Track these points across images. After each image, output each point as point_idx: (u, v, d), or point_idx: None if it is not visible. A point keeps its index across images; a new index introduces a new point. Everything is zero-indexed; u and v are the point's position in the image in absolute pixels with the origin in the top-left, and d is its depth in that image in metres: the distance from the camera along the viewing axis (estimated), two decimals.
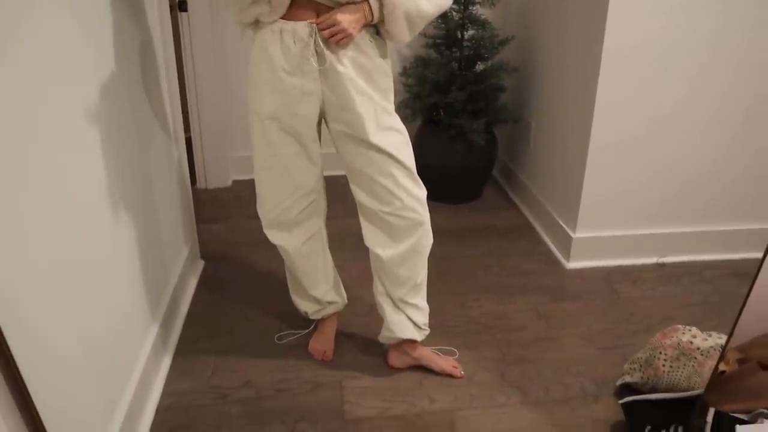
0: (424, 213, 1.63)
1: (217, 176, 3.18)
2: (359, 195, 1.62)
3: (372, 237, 1.66)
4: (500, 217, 2.86)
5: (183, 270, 2.18)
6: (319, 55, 1.45)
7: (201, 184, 3.19)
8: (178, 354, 1.92)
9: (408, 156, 1.58)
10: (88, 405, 1.37)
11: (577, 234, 2.39)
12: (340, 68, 1.46)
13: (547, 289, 2.29)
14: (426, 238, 1.66)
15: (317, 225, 1.77)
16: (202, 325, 2.07)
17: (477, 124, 2.74)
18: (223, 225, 2.77)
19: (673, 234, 2.45)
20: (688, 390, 1.58)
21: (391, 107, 1.58)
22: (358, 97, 1.49)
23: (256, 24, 1.49)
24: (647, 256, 2.47)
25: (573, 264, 2.43)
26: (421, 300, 1.79)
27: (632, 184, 2.34)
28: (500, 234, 2.70)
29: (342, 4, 1.41)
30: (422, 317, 1.80)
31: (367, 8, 1.42)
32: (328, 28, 1.41)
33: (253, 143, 1.60)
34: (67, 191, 1.27)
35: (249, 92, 1.56)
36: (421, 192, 1.62)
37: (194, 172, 3.16)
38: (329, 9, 1.41)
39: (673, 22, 2.08)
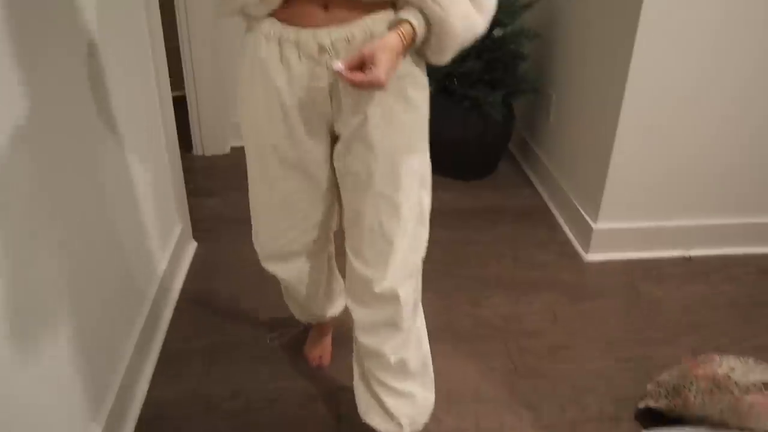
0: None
1: (214, 142, 2.98)
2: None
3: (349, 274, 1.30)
4: (515, 197, 2.67)
5: (173, 254, 2.02)
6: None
7: (197, 150, 2.99)
8: (165, 355, 1.78)
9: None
10: (64, 412, 1.25)
11: (599, 225, 2.21)
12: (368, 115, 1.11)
13: (565, 285, 2.13)
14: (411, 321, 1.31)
15: (325, 252, 1.50)
16: (191, 320, 1.92)
17: (494, 96, 2.52)
18: (218, 199, 2.59)
19: (700, 226, 2.27)
20: (720, 426, 1.44)
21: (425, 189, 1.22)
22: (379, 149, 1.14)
23: (246, 18, 1.14)
24: (672, 249, 2.29)
25: (592, 256, 2.25)
26: (414, 385, 1.37)
27: (660, 171, 2.14)
28: (515, 217, 2.52)
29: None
30: (410, 408, 1.37)
31: (406, 31, 1.03)
32: (353, 80, 0.99)
33: (248, 169, 1.30)
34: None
35: (240, 113, 1.23)
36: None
37: (190, 136, 2.96)
38: (337, 3, 1.04)
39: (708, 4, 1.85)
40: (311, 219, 1.33)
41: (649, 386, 1.62)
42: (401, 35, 1.03)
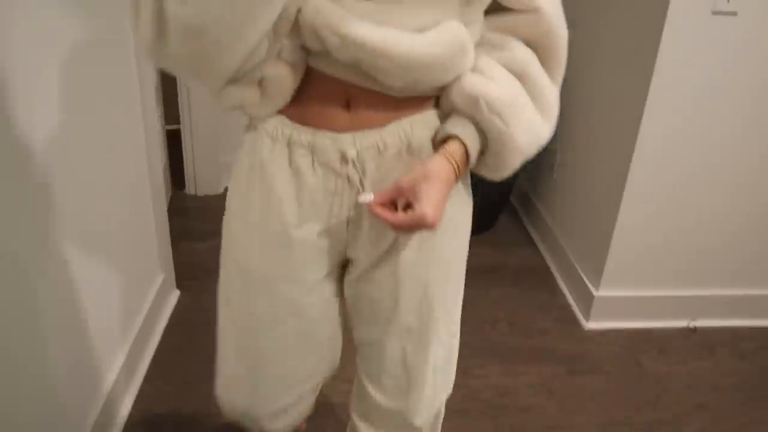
0: None
1: (208, 181, 2.90)
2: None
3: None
4: (515, 255, 2.58)
5: (152, 306, 1.92)
6: (362, 185, 0.87)
7: (190, 189, 2.91)
8: (133, 422, 1.67)
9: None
10: None
11: (601, 292, 2.11)
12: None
13: (562, 356, 2.01)
14: None
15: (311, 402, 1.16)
16: (164, 381, 1.82)
17: None
18: (207, 244, 2.50)
19: (706, 296, 2.16)
20: None
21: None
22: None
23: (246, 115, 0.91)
24: (676, 320, 2.18)
25: (593, 324, 2.15)
26: None
27: (666, 239, 2.05)
28: (513, 277, 2.41)
29: (386, 94, 0.82)
30: None
31: (456, 152, 0.83)
32: (391, 222, 0.80)
33: (220, 305, 1.00)
34: None
35: (226, 228, 0.96)
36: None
37: (183, 173, 2.89)
38: (365, 94, 0.81)
39: (726, 72, 1.77)
40: (307, 370, 1.05)
41: None
42: (451, 159, 0.82)
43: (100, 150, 1.51)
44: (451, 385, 1.10)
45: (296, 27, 0.76)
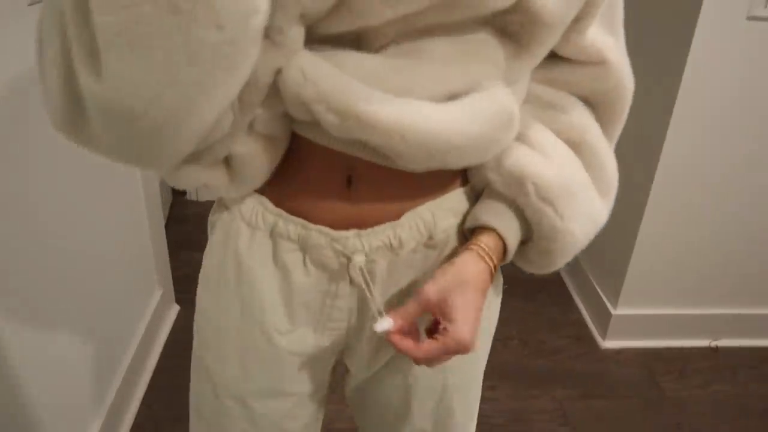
0: None
1: None
2: None
3: None
4: None
5: (150, 323, 1.84)
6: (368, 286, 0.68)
7: (191, 195, 2.83)
8: None
9: None
10: None
11: (618, 311, 2.01)
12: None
13: (577, 377, 1.92)
14: None
15: None
16: (164, 403, 1.74)
17: None
18: None
19: (729, 315, 2.06)
20: None
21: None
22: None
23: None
24: (697, 339, 2.09)
25: (609, 343, 2.05)
26: None
27: (689, 255, 1.95)
28: (526, 292, 2.32)
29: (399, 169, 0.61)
30: None
31: (491, 247, 0.65)
32: (417, 357, 0.62)
33: (191, 424, 0.83)
34: None
35: (198, 335, 0.78)
36: None
37: None
38: (372, 170, 0.61)
39: (760, 81, 1.66)
40: None
41: None
42: (488, 259, 0.64)
43: (86, 160, 1.42)
44: None
45: (275, 93, 0.55)
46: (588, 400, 1.84)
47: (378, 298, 0.69)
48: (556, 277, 2.41)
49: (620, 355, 2.02)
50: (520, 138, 0.64)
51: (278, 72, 0.54)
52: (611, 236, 2.05)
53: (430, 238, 0.67)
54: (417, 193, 0.66)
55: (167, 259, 2.04)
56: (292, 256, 0.67)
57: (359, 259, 0.66)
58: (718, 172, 1.81)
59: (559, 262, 0.69)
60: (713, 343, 2.08)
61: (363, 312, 0.72)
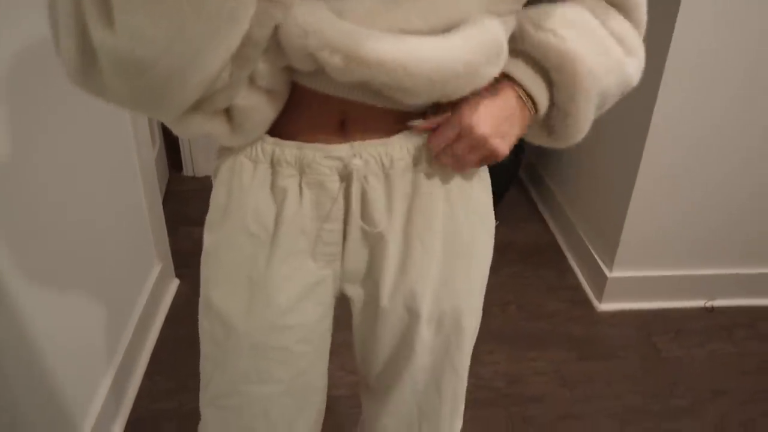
0: None
1: (206, 161, 2.81)
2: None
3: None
4: (523, 231, 2.49)
5: (150, 296, 1.86)
6: (364, 215, 0.74)
7: (188, 170, 2.83)
8: (134, 419, 1.62)
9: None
10: None
11: (614, 273, 2.03)
12: (392, 239, 0.75)
13: (574, 340, 1.95)
14: None
15: None
16: (166, 374, 1.76)
17: None
18: None
19: (724, 275, 2.08)
20: None
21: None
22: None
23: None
24: (693, 300, 2.10)
25: (605, 306, 2.07)
26: None
27: (683, 216, 1.96)
28: (522, 256, 2.33)
29: (406, 112, 0.69)
30: None
31: (514, 95, 0.69)
32: (445, 140, 0.69)
33: (201, 356, 0.87)
34: None
35: (204, 271, 0.81)
36: None
37: (180, 154, 2.80)
38: (367, 112, 0.68)
39: (748, 41, 1.65)
40: (303, 420, 0.90)
41: None
42: (513, 96, 0.68)
43: (80, 134, 1.42)
44: (462, 412, 1.00)
45: (276, 48, 0.60)
46: (585, 361, 1.87)
47: (374, 213, 0.72)
48: (551, 241, 2.43)
49: (616, 318, 2.05)
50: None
51: (277, 27, 0.57)
52: (605, 199, 2.06)
53: (419, 159, 0.72)
54: (406, 127, 0.70)
55: (165, 233, 2.05)
56: (290, 182, 0.71)
57: (357, 162, 0.69)
58: (712, 133, 1.81)
59: (582, 108, 0.69)
60: (708, 303, 2.10)
61: (357, 236, 0.76)
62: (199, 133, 0.66)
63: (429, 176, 0.73)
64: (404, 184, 0.73)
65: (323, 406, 0.94)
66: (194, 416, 1.59)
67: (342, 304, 0.90)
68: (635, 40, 0.72)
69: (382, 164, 0.71)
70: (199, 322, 0.84)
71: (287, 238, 0.74)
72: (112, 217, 1.62)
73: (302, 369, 0.84)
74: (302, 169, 0.70)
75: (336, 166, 0.70)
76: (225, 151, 0.75)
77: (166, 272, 2.05)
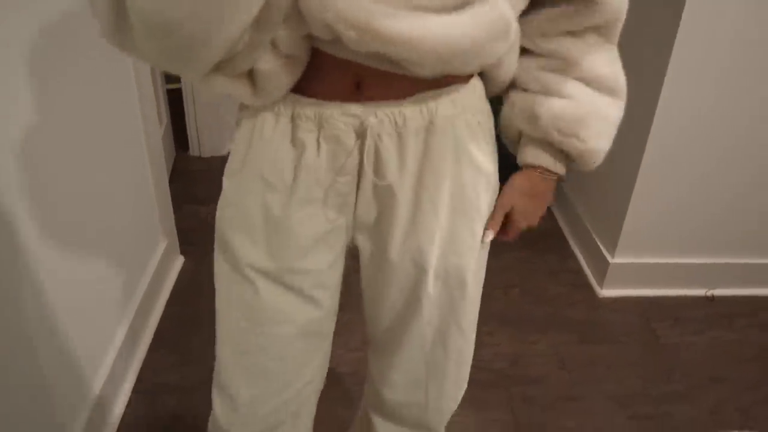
0: None
1: (212, 142, 2.83)
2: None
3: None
4: None
5: (156, 273, 1.88)
6: (377, 170, 0.78)
7: (194, 150, 2.84)
8: (137, 391, 1.64)
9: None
10: None
11: (616, 259, 2.04)
12: (402, 195, 0.80)
13: (575, 324, 1.96)
14: None
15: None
16: (170, 348, 1.78)
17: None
18: (212, 207, 2.42)
19: (726, 264, 2.08)
20: None
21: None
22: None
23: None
24: (693, 288, 2.12)
25: (606, 291, 2.09)
26: None
27: (686, 205, 1.96)
28: (526, 241, 2.32)
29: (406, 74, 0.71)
30: None
31: (540, 178, 0.86)
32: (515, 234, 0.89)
33: (216, 300, 0.90)
34: None
35: (221, 215, 0.85)
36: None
37: (186, 134, 2.81)
38: (381, 76, 0.72)
39: (751, 21, 1.65)
40: (307, 372, 0.94)
41: None
42: (530, 170, 0.86)
43: (87, 111, 1.43)
44: (467, 379, 1.04)
45: (297, 17, 0.64)
46: (584, 345, 1.89)
47: (388, 167, 0.77)
48: (555, 227, 2.44)
49: (617, 303, 2.06)
50: (539, 88, 0.81)
51: None
52: (609, 186, 2.07)
53: (431, 122, 0.76)
54: (421, 85, 0.74)
55: (171, 210, 2.06)
56: (309, 135, 0.75)
57: (372, 120, 0.73)
58: (715, 122, 1.81)
59: (594, 163, 0.85)
60: (709, 292, 2.12)
61: (368, 191, 0.80)
62: (222, 93, 0.71)
63: (440, 139, 0.77)
64: (416, 145, 0.77)
65: (329, 354, 0.98)
66: (197, 389, 1.62)
67: (345, 281, 0.94)
68: (621, 79, 0.85)
69: (396, 124, 0.74)
70: (215, 265, 0.88)
71: (303, 186, 0.78)
72: (120, 191, 1.63)
73: (314, 314, 0.88)
74: (321, 124, 0.75)
75: (352, 123, 0.74)
76: (247, 107, 0.79)
77: (171, 249, 2.06)
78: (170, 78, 2.85)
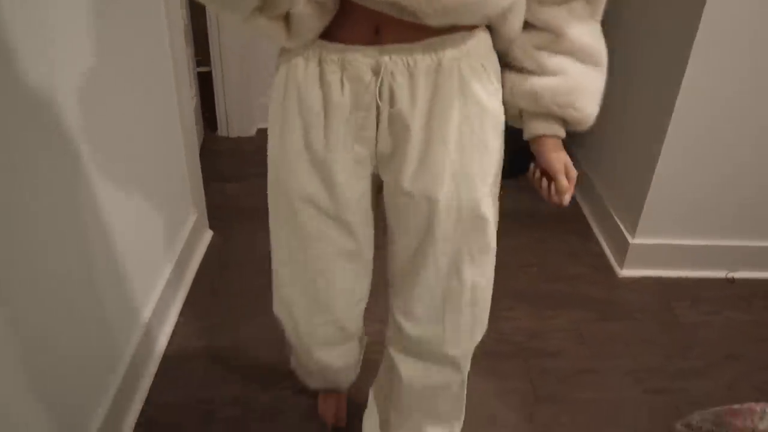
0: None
1: (240, 123, 2.89)
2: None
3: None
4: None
5: (186, 245, 1.95)
6: (392, 102, 0.89)
7: (222, 131, 2.91)
8: (169, 355, 1.72)
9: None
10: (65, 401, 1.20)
11: (636, 240, 2.06)
12: (414, 128, 0.90)
13: (594, 302, 2.00)
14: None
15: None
16: (199, 317, 1.85)
17: None
18: (239, 185, 2.51)
19: (747, 247, 2.10)
20: None
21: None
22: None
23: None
24: (714, 270, 2.13)
25: (626, 272, 2.11)
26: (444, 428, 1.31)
27: (708, 186, 1.98)
28: (546, 222, 2.38)
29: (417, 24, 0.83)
30: None
31: (552, 142, 1.00)
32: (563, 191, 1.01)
33: (270, 224, 1.09)
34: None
35: (270, 153, 1.01)
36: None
37: (215, 114, 2.88)
38: (396, 23, 0.83)
39: None
40: (353, 296, 1.16)
41: (679, 426, 1.50)
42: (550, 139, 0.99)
43: (128, 91, 1.51)
44: (486, 324, 1.12)
45: None
46: (603, 322, 1.92)
47: (402, 102, 0.88)
48: (575, 208, 2.47)
49: (636, 283, 2.09)
50: (535, 67, 0.94)
51: None
52: (630, 167, 2.09)
53: (439, 64, 0.86)
54: (431, 32, 0.85)
55: (201, 185, 2.13)
56: (333, 77, 0.88)
57: (386, 59, 0.85)
58: (738, 105, 1.82)
59: (591, 122, 1.01)
60: (730, 275, 2.13)
61: (386, 125, 0.92)
62: (262, 33, 0.83)
63: (446, 79, 0.87)
64: (426, 85, 0.87)
65: (370, 278, 1.16)
66: (222, 356, 1.69)
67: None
68: (603, 51, 0.96)
69: (407, 64, 0.86)
70: (269, 194, 1.05)
71: (334, 122, 0.91)
72: (153, 167, 1.70)
73: (350, 239, 1.04)
74: (344, 66, 0.87)
75: (370, 63, 0.86)
76: (283, 53, 0.93)
77: (201, 223, 2.13)
78: (201, 61, 2.92)
